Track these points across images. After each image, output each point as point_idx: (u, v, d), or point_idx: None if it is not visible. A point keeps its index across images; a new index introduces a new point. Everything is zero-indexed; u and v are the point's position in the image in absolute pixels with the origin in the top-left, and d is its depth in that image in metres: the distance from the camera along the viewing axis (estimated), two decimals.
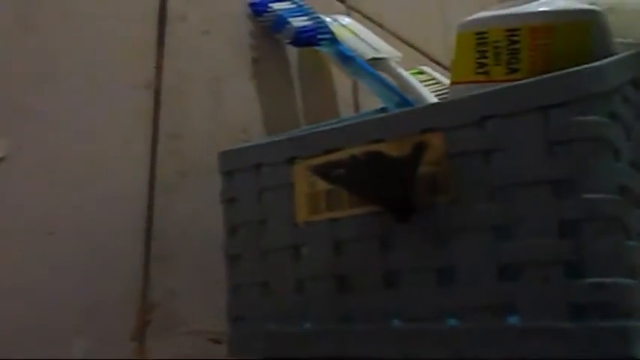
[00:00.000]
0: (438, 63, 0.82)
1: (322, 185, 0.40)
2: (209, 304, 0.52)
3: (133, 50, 0.52)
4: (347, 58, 0.61)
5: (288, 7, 0.62)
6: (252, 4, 0.62)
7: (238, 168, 0.45)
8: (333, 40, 0.62)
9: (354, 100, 0.71)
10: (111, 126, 0.49)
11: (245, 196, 0.45)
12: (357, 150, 0.36)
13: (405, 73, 0.63)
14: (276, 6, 0.61)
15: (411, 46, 0.78)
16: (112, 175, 0.48)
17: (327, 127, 0.41)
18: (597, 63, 0.34)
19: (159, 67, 0.53)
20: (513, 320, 0.33)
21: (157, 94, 0.53)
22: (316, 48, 0.63)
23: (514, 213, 0.34)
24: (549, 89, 0.34)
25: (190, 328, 0.51)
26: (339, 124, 0.41)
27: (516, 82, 0.36)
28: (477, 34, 0.44)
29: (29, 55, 0.45)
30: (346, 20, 0.68)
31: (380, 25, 0.73)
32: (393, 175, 0.35)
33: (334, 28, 0.63)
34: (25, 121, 0.44)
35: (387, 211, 0.36)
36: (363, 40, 0.65)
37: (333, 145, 0.39)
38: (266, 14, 0.61)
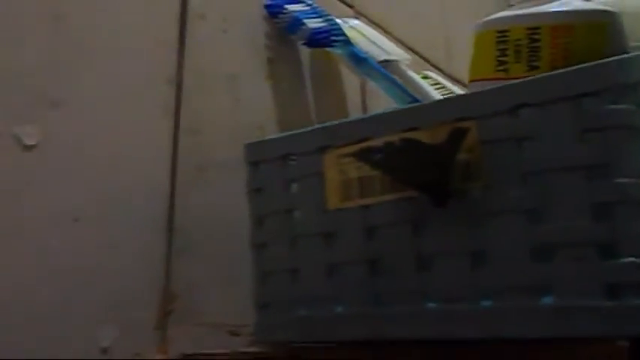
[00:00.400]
0: (439, 70, 0.84)
1: (354, 173, 0.41)
2: (228, 297, 0.53)
3: (155, 46, 0.53)
4: (360, 60, 0.63)
5: (302, 8, 0.63)
6: (267, 6, 0.63)
7: (264, 159, 0.46)
8: (347, 42, 0.63)
9: (362, 102, 0.72)
10: (134, 119, 0.50)
11: (272, 186, 0.46)
12: (394, 137, 0.37)
13: (416, 76, 0.64)
14: (291, 8, 0.62)
15: (415, 52, 0.80)
16: (135, 167, 0.49)
17: (360, 117, 0.42)
18: (626, 55, 0.36)
19: (180, 64, 0.54)
20: (548, 300, 0.34)
21: (179, 89, 0.54)
22: (329, 49, 0.64)
23: (547, 197, 0.35)
24: (582, 79, 0.35)
25: (209, 319, 0.51)
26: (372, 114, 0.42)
27: (549, 73, 0.37)
28: (499, 32, 0.46)
29: (57, 47, 0.45)
30: (355, 22, 0.69)
31: (386, 31, 0.75)
32: (430, 161, 0.36)
33: (347, 30, 0.65)
34: (53, 110, 0.45)
35: (424, 196, 0.37)
36: (373, 42, 0.66)
37: (367, 134, 0.41)
38: (281, 15, 0.62)
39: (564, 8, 0.45)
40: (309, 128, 0.45)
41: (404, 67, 0.64)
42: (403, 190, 0.39)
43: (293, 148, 0.45)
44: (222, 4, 0.59)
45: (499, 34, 0.46)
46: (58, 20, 0.46)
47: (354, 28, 0.68)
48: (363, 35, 0.67)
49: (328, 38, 0.62)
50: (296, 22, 0.62)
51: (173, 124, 0.53)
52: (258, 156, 0.47)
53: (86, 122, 0.46)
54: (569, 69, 0.36)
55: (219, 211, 0.54)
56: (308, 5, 0.64)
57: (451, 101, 0.40)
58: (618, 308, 0.33)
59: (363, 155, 0.36)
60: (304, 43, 0.63)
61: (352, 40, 0.64)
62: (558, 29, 0.44)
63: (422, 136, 0.38)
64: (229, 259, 0.53)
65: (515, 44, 0.45)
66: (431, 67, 0.83)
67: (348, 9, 0.74)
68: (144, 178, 0.50)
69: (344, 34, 0.63)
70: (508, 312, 0.35)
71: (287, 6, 0.63)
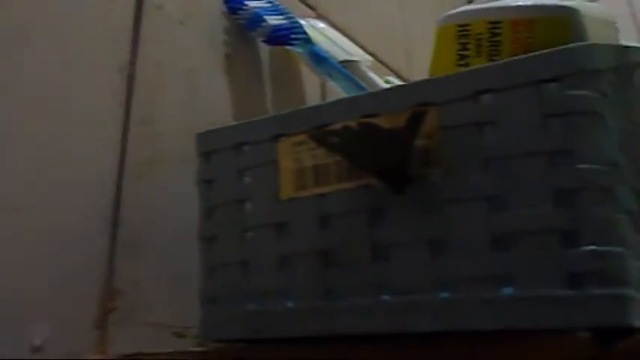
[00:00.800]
0: (400, 76, 0.83)
1: (309, 161, 0.39)
2: (175, 295, 0.50)
3: (108, 33, 0.51)
4: (320, 59, 0.62)
5: (263, 5, 0.61)
6: (227, 1, 0.61)
7: (216, 148, 0.45)
8: (307, 41, 0.62)
9: (322, 101, 0.71)
10: (80, 105, 0.48)
11: (224, 177, 0.44)
12: (352, 122, 0.36)
13: (376, 77, 0.63)
14: (251, 4, 0.61)
15: (377, 58, 0.79)
16: (80, 155, 0.47)
17: (315, 104, 0.40)
18: (587, 43, 0.35)
19: (133, 53, 0.52)
20: (508, 290, 0.33)
21: (131, 79, 0.51)
22: (289, 48, 0.63)
23: (508, 184, 0.34)
24: (543, 64, 0.34)
25: (154, 319, 0.49)
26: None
27: (511, 58, 0.36)
28: (460, 26, 0.45)
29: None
30: (320, 25, 0.68)
31: (348, 36, 0.74)
32: (388, 146, 0.35)
33: (307, 29, 0.63)
34: None
35: (382, 182, 0.36)
36: (334, 42, 0.65)
37: (323, 122, 0.39)
38: (241, 12, 0.61)
39: (525, 3, 0.45)
40: (263, 116, 0.44)
41: (364, 68, 0.63)
42: (360, 177, 0.37)
43: (246, 137, 0.43)
44: None
45: (460, 29, 0.45)
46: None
47: (315, 28, 0.66)
48: (324, 35, 0.66)
49: (289, 36, 0.61)
50: (256, 19, 0.60)
51: (123, 114, 0.50)
52: (210, 146, 0.45)
53: (27, 107, 0.44)
54: (531, 54, 0.35)
55: (169, 205, 0.52)
56: (269, 2, 0.62)
57: (411, 87, 0.39)
58: (579, 298, 0.31)
59: (319, 138, 0.34)
60: (264, 41, 0.61)
61: (313, 39, 0.62)
62: (519, 24, 0.44)
63: (381, 121, 0.36)
64: (179, 256, 0.51)
65: (476, 38, 0.45)
66: (391, 73, 0.82)
67: (310, 11, 0.73)
68: (89, 167, 0.47)
69: (305, 33, 0.62)
70: (467, 303, 0.34)
71: (247, 2, 0.61)
